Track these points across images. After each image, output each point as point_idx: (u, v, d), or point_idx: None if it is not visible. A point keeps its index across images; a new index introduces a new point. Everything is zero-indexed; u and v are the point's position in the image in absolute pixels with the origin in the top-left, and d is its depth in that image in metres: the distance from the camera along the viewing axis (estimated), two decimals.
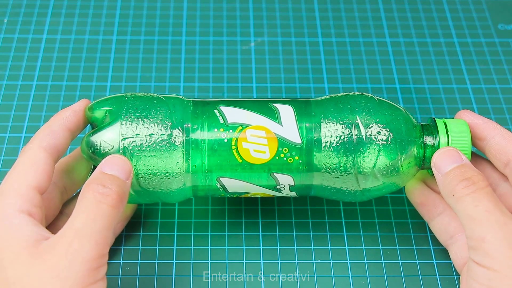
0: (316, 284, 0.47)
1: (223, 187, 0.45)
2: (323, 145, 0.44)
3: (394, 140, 0.44)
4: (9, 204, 0.40)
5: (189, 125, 0.44)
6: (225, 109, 0.45)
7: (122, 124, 0.43)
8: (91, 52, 0.63)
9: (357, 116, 0.44)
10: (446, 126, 0.45)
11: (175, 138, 0.43)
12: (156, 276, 0.47)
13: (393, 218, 0.51)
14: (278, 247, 0.49)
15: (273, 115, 0.45)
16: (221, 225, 0.50)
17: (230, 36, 0.65)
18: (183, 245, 0.49)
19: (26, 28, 0.65)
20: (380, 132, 0.44)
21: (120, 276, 0.47)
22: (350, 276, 0.47)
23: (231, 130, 0.44)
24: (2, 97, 0.59)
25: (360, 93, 0.46)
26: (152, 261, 0.48)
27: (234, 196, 0.47)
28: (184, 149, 0.43)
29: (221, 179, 0.45)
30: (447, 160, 0.43)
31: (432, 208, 0.47)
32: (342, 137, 0.44)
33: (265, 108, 0.45)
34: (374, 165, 0.44)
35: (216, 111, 0.44)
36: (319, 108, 0.45)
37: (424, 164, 0.46)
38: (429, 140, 0.45)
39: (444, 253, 0.49)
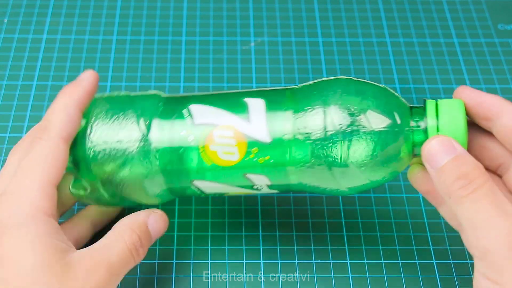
0: (316, 284, 0.47)
1: (199, 189, 0.44)
2: (294, 141, 0.40)
3: (375, 129, 0.39)
4: (35, 205, 0.38)
5: (156, 129, 0.42)
6: (194, 108, 0.42)
7: (91, 131, 0.42)
8: (91, 52, 0.63)
9: (331, 106, 0.40)
10: (437, 107, 0.40)
11: (144, 143, 0.42)
12: (156, 276, 0.47)
13: (393, 218, 0.51)
14: (278, 247, 0.49)
15: (243, 110, 0.41)
16: (221, 225, 0.50)
17: (230, 36, 0.65)
18: (183, 245, 0.49)
19: (26, 28, 0.65)
20: (356, 121, 0.39)
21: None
22: (350, 276, 0.47)
23: (198, 132, 0.41)
24: (2, 97, 0.59)
25: (339, 77, 0.42)
26: (152, 261, 0.48)
27: (216, 195, 0.45)
28: (155, 154, 0.42)
29: (194, 182, 0.43)
30: (438, 152, 0.38)
31: (438, 194, 0.42)
32: (314, 131, 0.40)
33: (235, 104, 0.42)
34: (350, 158, 0.40)
35: (185, 110, 0.42)
36: (292, 99, 0.41)
37: (415, 151, 0.41)
38: (415, 124, 0.40)
39: (444, 253, 0.49)
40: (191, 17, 0.66)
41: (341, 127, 0.39)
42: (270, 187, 0.43)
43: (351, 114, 0.39)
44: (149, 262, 0.48)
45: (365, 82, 0.41)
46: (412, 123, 0.40)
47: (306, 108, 0.40)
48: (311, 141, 0.40)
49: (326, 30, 0.66)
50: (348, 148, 0.39)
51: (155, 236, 0.43)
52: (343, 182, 0.41)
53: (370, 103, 0.40)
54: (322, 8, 0.68)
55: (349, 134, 0.39)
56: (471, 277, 0.47)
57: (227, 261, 0.48)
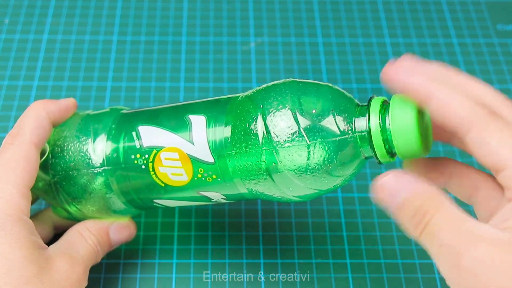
0: (316, 284, 0.47)
1: (162, 205, 0.45)
2: (235, 158, 0.39)
3: (306, 130, 0.37)
4: (14, 205, 0.39)
5: (109, 154, 0.42)
6: (142, 129, 0.42)
7: (50, 158, 0.43)
8: (92, 52, 0.63)
9: (266, 116, 0.38)
10: (383, 105, 0.37)
11: (98, 169, 0.42)
12: (156, 276, 0.47)
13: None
14: (278, 247, 0.49)
15: (186, 130, 0.41)
16: (221, 225, 0.50)
17: (230, 36, 0.65)
18: (183, 245, 0.49)
19: (27, 28, 0.65)
20: (292, 129, 0.37)
21: (120, 276, 0.47)
22: (350, 276, 0.47)
23: (146, 155, 0.42)
24: (3, 98, 0.59)
25: (279, 81, 0.40)
26: (152, 261, 0.48)
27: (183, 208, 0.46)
28: (111, 178, 0.43)
29: (155, 201, 0.44)
30: (386, 198, 0.34)
31: (436, 181, 0.38)
32: (251, 146, 0.38)
33: (180, 122, 0.41)
34: (283, 164, 0.38)
35: (134, 133, 0.42)
36: (232, 112, 0.40)
37: (363, 153, 0.37)
38: (360, 126, 0.36)
39: None
40: (191, 17, 0.66)
41: (278, 137, 0.37)
42: (226, 199, 0.43)
43: (292, 121, 0.37)
44: (150, 262, 0.48)
45: (311, 85, 0.39)
46: (359, 123, 0.37)
47: (245, 122, 0.39)
48: (249, 157, 0.39)
49: (325, 31, 0.66)
50: (286, 156, 0.37)
51: (116, 244, 0.45)
52: (289, 192, 0.39)
53: (315, 106, 0.37)
54: (322, 9, 0.68)
55: (287, 144, 0.37)
56: None
57: (227, 261, 0.48)
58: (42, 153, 0.44)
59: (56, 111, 0.43)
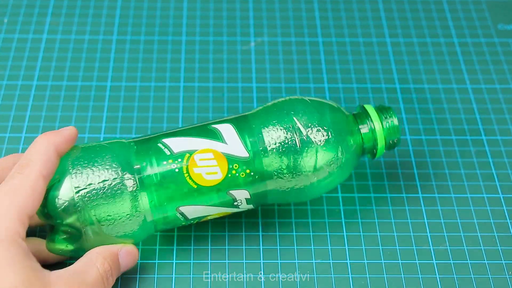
0: (316, 284, 0.47)
1: (183, 215, 0.46)
2: (269, 153, 0.45)
3: (333, 136, 0.46)
4: (13, 229, 0.39)
5: (138, 165, 0.44)
6: (168, 141, 0.45)
7: (72, 178, 0.43)
8: (91, 52, 0.63)
9: (294, 118, 0.46)
10: (377, 111, 0.48)
11: (127, 180, 0.43)
12: (156, 276, 0.47)
13: (393, 218, 0.51)
14: (278, 247, 0.49)
15: (216, 136, 0.46)
16: (221, 225, 0.50)
17: (230, 36, 0.65)
18: (183, 245, 0.49)
19: (26, 28, 0.64)
20: (319, 130, 0.46)
21: (120, 275, 0.47)
22: (350, 276, 0.47)
23: (179, 159, 0.44)
24: (2, 97, 0.58)
25: (290, 97, 0.48)
26: (152, 261, 0.48)
27: (194, 222, 0.47)
28: (139, 188, 0.44)
29: (180, 208, 0.45)
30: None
31: None
32: (285, 141, 0.45)
33: (205, 131, 0.46)
34: (317, 162, 0.45)
35: (160, 145, 0.45)
36: (257, 119, 0.47)
37: (364, 150, 0.48)
38: (364, 127, 0.48)
39: (444, 253, 0.49)
40: (191, 17, 0.66)
41: (310, 136, 0.46)
42: (248, 201, 0.46)
43: (317, 124, 0.46)
44: (149, 262, 0.48)
45: (318, 101, 0.48)
46: (362, 127, 0.48)
47: (274, 123, 0.46)
48: (283, 151, 0.45)
49: (326, 30, 0.66)
50: (317, 153, 0.46)
51: (123, 269, 0.45)
52: (313, 181, 0.46)
53: (329, 114, 0.47)
54: (322, 8, 0.68)
55: (315, 142, 0.45)
56: (471, 277, 0.48)
57: (227, 261, 0.48)
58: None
59: (62, 143, 0.44)
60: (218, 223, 0.50)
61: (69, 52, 0.63)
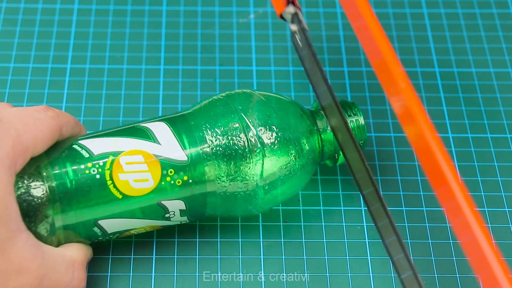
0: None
1: (101, 229, 0.44)
2: (212, 156, 0.44)
3: (285, 136, 0.45)
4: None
5: (48, 171, 0.42)
6: (85, 142, 0.43)
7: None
8: (46, 25, 0.58)
9: (242, 115, 0.45)
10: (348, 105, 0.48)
11: (35, 189, 0.41)
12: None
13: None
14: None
15: (146, 135, 0.44)
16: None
17: (223, 6, 0.62)
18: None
19: None
20: (270, 130, 0.45)
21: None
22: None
23: (101, 163, 0.42)
24: None
25: (237, 90, 0.47)
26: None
27: (113, 237, 0.45)
28: (49, 199, 0.42)
29: (99, 222, 0.43)
30: None
31: None
32: (231, 142, 0.44)
33: (133, 130, 0.44)
34: (265, 167, 0.44)
35: (75, 146, 0.43)
36: (198, 116, 0.46)
37: (323, 155, 0.47)
38: (322, 127, 0.47)
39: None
40: None
41: (259, 137, 0.44)
42: (183, 213, 0.45)
43: (267, 123, 0.44)
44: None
45: (271, 95, 0.47)
46: (320, 124, 0.47)
47: (218, 121, 0.45)
48: (228, 154, 0.44)
49: None
50: (264, 157, 0.44)
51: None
52: (262, 191, 0.45)
53: (281, 111, 0.46)
54: None
55: (265, 143, 0.44)
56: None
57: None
58: None
59: (68, 130, 0.45)
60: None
61: (17, 26, 0.60)
